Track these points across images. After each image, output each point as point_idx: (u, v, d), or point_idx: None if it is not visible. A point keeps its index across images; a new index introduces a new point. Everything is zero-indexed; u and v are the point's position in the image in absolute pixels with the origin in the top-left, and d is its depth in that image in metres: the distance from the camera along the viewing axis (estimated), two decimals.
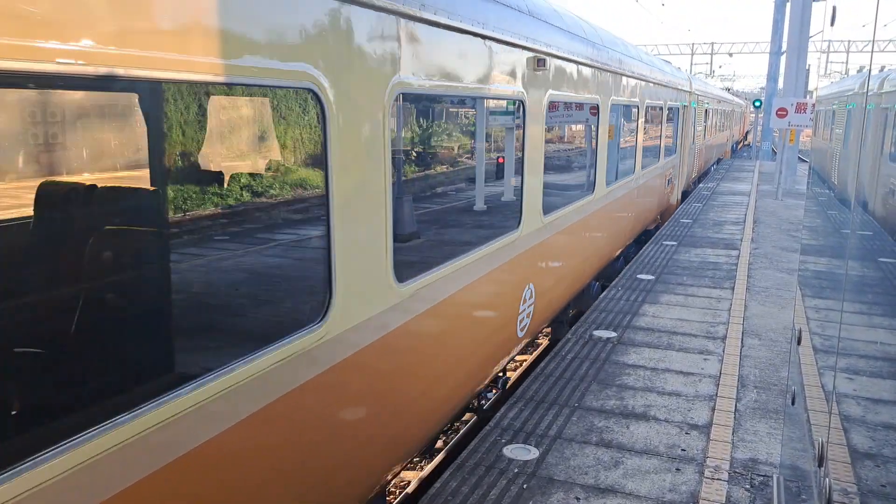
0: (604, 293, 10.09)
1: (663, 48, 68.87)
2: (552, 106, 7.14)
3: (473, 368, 5.90)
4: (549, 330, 9.63)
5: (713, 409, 6.29)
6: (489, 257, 5.74)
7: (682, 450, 5.55)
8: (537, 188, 6.87)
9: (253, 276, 3.65)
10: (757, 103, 40.15)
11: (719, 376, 7.06)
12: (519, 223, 6.45)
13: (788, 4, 26.40)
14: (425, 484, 6.58)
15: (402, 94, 4.21)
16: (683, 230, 15.43)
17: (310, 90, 3.36)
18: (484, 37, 5.35)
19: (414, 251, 4.91)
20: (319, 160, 3.54)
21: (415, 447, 5.07)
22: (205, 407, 2.85)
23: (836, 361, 2.83)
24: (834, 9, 3.78)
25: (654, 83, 12.69)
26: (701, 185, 24.79)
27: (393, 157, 4.15)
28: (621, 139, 10.74)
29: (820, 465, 2.78)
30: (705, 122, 25.12)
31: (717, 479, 5.11)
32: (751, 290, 10.37)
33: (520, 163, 6.50)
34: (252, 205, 4.00)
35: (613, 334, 8.29)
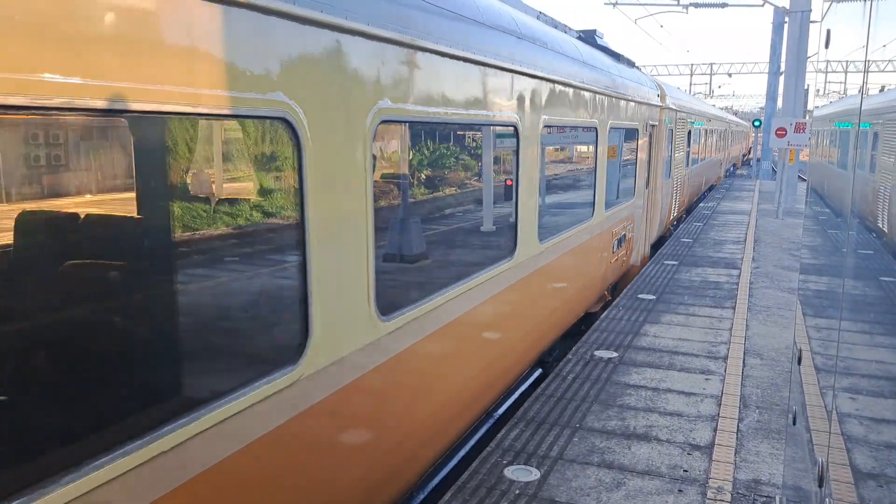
0: (605, 313, 10.09)
1: (662, 69, 69.34)
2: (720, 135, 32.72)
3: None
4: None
5: (715, 430, 6.27)
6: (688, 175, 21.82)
7: (685, 471, 5.52)
8: (704, 160, 26.54)
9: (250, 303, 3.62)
10: (757, 123, 40.41)
11: (721, 396, 7.04)
12: (696, 163, 23.57)
13: (786, 26, 26.65)
14: None
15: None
16: (684, 249, 15.45)
17: None
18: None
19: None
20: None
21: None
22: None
23: (833, 381, 2.83)
24: (828, 32, 3.83)
25: (727, 121, 34.87)
26: (701, 204, 24.99)
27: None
28: (709, 145, 26.82)
29: (820, 486, 2.78)
30: (730, 138, 44.65)
31: (720, 501, 5.08)
32: (752, 310, 10.36)
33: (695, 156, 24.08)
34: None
35: (615, 354, 8.27)
